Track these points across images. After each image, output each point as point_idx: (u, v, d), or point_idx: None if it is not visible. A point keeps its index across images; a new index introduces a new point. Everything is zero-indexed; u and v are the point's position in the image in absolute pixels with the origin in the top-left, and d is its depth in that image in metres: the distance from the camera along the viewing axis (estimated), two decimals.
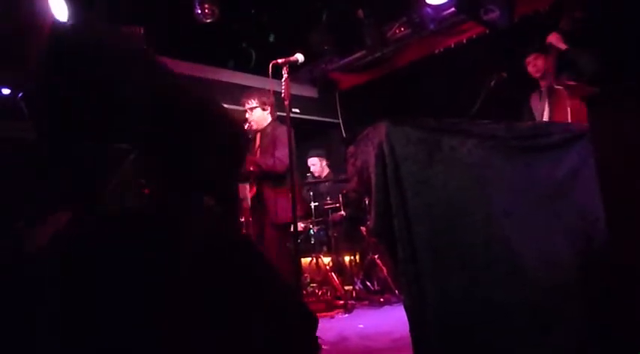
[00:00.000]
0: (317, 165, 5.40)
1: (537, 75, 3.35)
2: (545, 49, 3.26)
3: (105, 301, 1.08)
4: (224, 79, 5.49)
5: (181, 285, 1.06)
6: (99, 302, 1.09)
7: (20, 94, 1.47)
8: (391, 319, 3.46)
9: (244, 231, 4.05)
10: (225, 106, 5.22)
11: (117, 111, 1.32)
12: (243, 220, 4.36)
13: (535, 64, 3.33)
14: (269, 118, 3.72)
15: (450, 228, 1.58)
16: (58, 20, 1.54)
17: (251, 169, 3.63)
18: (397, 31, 5.41)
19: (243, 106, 3.70)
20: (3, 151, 1.40)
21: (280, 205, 3.44)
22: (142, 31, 5.02)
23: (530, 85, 3.49)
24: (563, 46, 3.10)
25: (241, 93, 3.89)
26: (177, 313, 1.04)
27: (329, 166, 5.47)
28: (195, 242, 1.13)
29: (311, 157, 5.42)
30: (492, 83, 3.26)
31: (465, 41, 5.11)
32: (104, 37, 1.52)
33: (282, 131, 3.49)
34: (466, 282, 1.55)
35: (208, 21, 4.90)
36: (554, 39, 3.12)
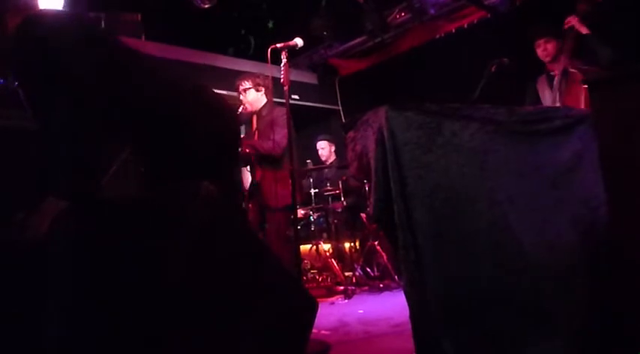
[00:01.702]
0: (326, 149, 5.39)
1: (547, 59, 3.30)
2: (556, 33, 3.21)
3: (106, 286, 1.08)
4: (223, 66, 5.45)
5: (180, 270, 1.05)
6: (101, 286, 1.09)
7: (16, 83, 1.46)
8: (391, 305, 3.47)
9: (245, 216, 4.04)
10: (225, 93, 5.22)
11: (107, 104, 1.31)
12: (244, 205, 4.36)
13: (545, 48, 3.27)
14: (264, 100, 3.68)
15: (451, 213, 1.58)
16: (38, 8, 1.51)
17: (247, 151, 3.60)
18: (397, 17, 5.36)
19: (237, 88, 3.67)
20: (7, 140, 1.39)
21: (280, 188, 3.43)
22: (139, 18, 4.98)
23: (532, 70, 3.45)
24: (585, 31, 3.04)
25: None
26: (177, 298, 1.04)
27: (336, 152, 5.46)
28: (194, 227, 1.12)
29: (320, 140, 5.40)
30: (494, 68, 3.23)
31: (466, 26, 5.07)
32: (88, 27, 1.50)
33: (280, 113, 3.46)
34: (467, 268, 1.55)
35: (206, 6, 4.84)
36: (575, 22, 3.06)
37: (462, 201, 1.60)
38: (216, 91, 5.53)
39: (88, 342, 1.06)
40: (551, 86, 3.24)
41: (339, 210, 4.87)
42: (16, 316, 1.11)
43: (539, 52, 3.31)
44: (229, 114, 1.69)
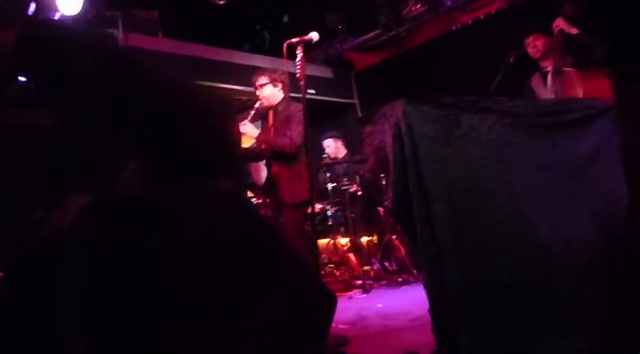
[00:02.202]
0: (332, 146, 5.38)
1: (537, 55, 3.28)
2: (545, 30, 3.20)
3: (124, 283, 1.10)
4: (239, 62, 5.46)
5: (198, 266, 1.06)
6: (121, 282, 1.10)
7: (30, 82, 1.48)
8: (410, 299, 3.47)
9: (262, 212, 4.06)
10: (240, 88, 5.23)
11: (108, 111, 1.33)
12: (260, 201, 4.38)
13: (535, 45, 3.26)
14: (280, 95, 3.67)
15: (469, 207, 1.57)
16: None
17: (263, 147, 3.61)
18: (413, 9, 5.30)
19: (254, 83, 3.68)
20: (23, 140, 1.42)
21: (295, 184, 3.43)
22: (156, 16, 5.01)
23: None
24: (574, 31, 3.04)
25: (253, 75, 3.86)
26: (196, 294, 1.05)
27: (346, 146, 5.45)
28: (215, 223, 1.13)
29: (325, 138, 5.41)
30: (511, 60, 3.19)
31: (482, 17, 4.99)
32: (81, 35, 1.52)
33: (296, 109, 3.46)
34: (486, 261, 1.54)
35: (221, 3, 4.86)
36: (563, 24, 3.06)
37: (480, 194, 1.59)
38: (232, 86, 5.54)
39: (100, 339, 1.08)
40: (545, 83, 3.21)
41: (355, 199, 4.85)
42: (31, 314, 1.13)
43: (529, 49, 3.28)
44: (223, 111, 1.70)
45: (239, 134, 3.19)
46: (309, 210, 3.22)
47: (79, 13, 3.73)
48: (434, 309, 1.60)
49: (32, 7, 3.23)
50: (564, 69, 3.11)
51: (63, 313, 1.08)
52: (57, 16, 3.49)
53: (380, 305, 3.44)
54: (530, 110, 1.73)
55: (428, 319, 1.64)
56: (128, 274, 1.08)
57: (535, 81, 3.33)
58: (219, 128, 1.55)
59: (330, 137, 5.40)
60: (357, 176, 4.73)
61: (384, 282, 4.30)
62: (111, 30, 4.05)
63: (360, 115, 6.41)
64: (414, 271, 4.12)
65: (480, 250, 1.55)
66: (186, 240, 1.07)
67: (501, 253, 1.54)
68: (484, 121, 1.65)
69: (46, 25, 1.40)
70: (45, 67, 1.31)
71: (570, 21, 3.05)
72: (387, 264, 4.55)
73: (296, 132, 3.41)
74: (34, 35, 1.35)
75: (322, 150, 5.38)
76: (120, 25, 4.17)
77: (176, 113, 1.41)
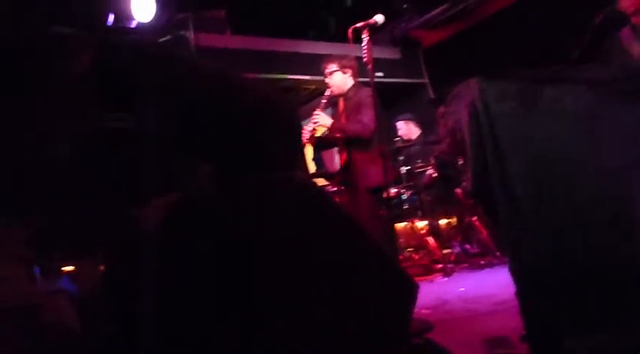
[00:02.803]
0: (404, 129, 5.30)
1: (631, 9, 2.96)
2: None
3: (215, 277, 1.15)
4: (305, 51, 5.49)
5: (280, 258, 1.09)
6: (209, 277, 1.16)
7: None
8: (493, 282, 3.36)
9: (336, 199, 4.09)
10: (308, 78, 5.27)
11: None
12: (334, 188, 4.41)
13: None
14: (350, 82, 3.66)
15: (556, 185, 1.48)
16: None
17: (337, 135, 3.62)
18: None
19: (324, 71, 3.68)
20: (117, 143, 1.50)
21: (370, 169, 3.42)
22: (224, 14, 5.16)
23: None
24: None
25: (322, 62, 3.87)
26: (277, 284, 1.08)
27: (419, 126, 5.34)
28: (292, 215, 1.15)
29: (397, 121, 5.33)
30: (599, 20, 2.93)
31: None
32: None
33: (366, 94, 3.43)
34: (578, 243, 1.44)
35: None
36: None
37: (567, 171, 1.49)
38: (300, 77, 5.61)
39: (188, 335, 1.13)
40: (639, 39, 2.88)
41: (430, 182, 4.75)
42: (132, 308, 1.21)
43: (623, 3, 2.96)
44: (286, 107, 1.71)
45: (301, 127, 3.22)
46: (384, 194, 3.20)
47: (153, 20, 3.93)
48: (521, 292, 1.53)
49: (111, 17, 3.44)
50: None
51: (160, 308, 1.15)
52: (133, 24, 3.70)
53: (462, 289, 3.36)
54: (621, 74, 1.59)
55: (514, 302, 1.58)
56: (216, 270, 1.12)
57: (626, 36, 3.03)
58: (284, 122, 1.57)
59: (402, 120, 5.32)
60: (431, 158, 4.62)
61: (466, 265, 4.19)
62: (182, 32, 4.22)
63: (431, 94, 6.24)
64: (497, 253, 3.97)
65: (571, 230, 1.46)
66: (267, 233, 1.10)
67: (595, 234, 1.44)
68: (569, 92, 1.54)
69: (124, 45, 1.49)
70: (123, 81, 1.39)
71: None
72: (468, 246, 4.43)
73: (368, 117, 3.39)
74: (114, 60, 1.44)
75: (395, 133, 5.31)
76: (191, 27, 4.34)
77: (241, 111, 1.45)
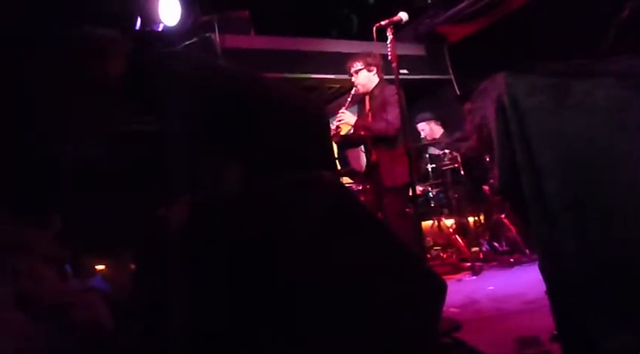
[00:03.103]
0: (426, 129, 5.28)
1: None
2: None
3: (240, 275, 1.16)
4: (329, 50, 5.49)
5: (308, 256, 1.09)
6: (235, 275, 1.17)
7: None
8: (523, 281, 3.29)
9: (362, 198, 4.08)
10: (332, 76, 5.26)
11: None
12: (360, 187, 4.40)
13: None
14: (375, 80, 3.64)
15: (588, 181, 1.44)
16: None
17: (362, 133, 3.61)
18: None
19: (349, 70, 3.67)
20: (146, 144, 1.53)
21: (396, 168, 3.40)
22: (248, 14, 5.19)
23: None
24: None
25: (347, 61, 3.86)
26: (306, 282, 1.08)
27: (442, 125, 5.29)
28: (319, 213, 1.15)
29: (418, 122, 5.30)
30: (628, 12, 2.85)
31: None
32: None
33: (391, 92, 3.41)
34: (611, 240, 1.40)
35: None
36: None
37: (601, 167, 1.45)
38: (323, 76, 5.61)
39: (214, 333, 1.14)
40: None
41: (459, 184, 4.70)
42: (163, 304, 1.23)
43: None
44: (314, 107, 1.72)
45: (329, 125, 3.22)
46: (410, 192, 3.18)
47: (178, 23, 3.98)
48: (552, 291, 1.50)
49: (138, 21, 3.50)
50: None
51: (188, 306, 1.17)
52: (160, 28, 3.76)
53: (491, 287, 3.31)
54: None
55: (545, 301, 1.54)
56: (243, 269, 1.13)
57: None
58: (312, 122, 1.58)
59: (422, 120, 5.28)
60: (458, 155, 4.56)
61: (495, 263, 4.12)
62: (208, 34, 4.27)
63: (457, 90, 6.16)
64: (527, 251, 3.90)
65: (604, 229, 1.42)
66: (293, 232, 1.10)
67: (631, 231, 1.39)
68: (599, 85, 1.49)
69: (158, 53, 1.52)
70: (154, 83, 1.42)
71: None
72: (496, 244, 4.36)
73: (393, 115, 3.37)
74: (147, 63, 1.47)
75: (419, 132, 5.29)
76: (216, 29, 4.38)
77: (268, 111, 1.46)
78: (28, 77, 1.33)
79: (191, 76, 1.39)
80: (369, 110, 3.67)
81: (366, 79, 3.62)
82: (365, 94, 3.68)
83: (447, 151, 4.68)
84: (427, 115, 5.33)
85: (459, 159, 4.50)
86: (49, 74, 1.38)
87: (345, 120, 3.58)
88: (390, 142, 3.48)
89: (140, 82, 1.46)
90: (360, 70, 3.61)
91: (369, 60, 3.60)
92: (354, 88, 3.66)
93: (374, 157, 3.61)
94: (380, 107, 3.53)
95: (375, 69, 3.61)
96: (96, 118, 1.41)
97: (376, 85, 3.63)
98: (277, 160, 1.41)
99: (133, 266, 1.46)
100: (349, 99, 3.65)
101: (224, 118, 1.38)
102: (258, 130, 1.41)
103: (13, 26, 1.35)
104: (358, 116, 3.72)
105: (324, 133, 1.94)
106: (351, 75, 3.66)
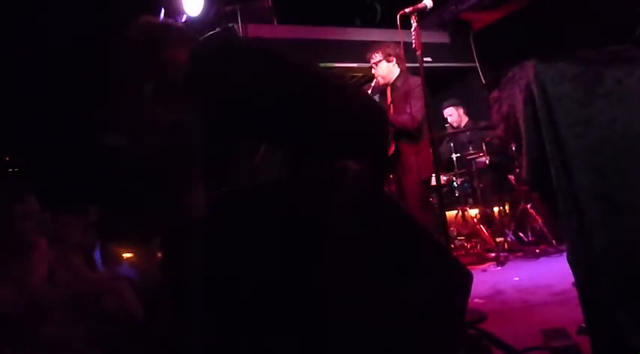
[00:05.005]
0: (454, 115, 5.18)
1: None
2: None
3: (262, 265, 1.16)
4: (352, 38, 5.44)
5: (333, 248, 1.09)
6: (257, 266, 1.18)
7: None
8: (549, 272, 3.24)
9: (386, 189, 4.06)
10: (355, 65, 5.22)
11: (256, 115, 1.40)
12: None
13: None
14: (396, 71, 3.58)
15: (620, 171, 1.40)
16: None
17: None
18: None
19: (369, 62, 3.63)
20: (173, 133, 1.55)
21: (419, 162, 3.37)
22: (270, 3, 5.18)
23: None
24: None
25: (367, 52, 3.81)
26: (335, 275, 1.09)
27: (467, 113, 5.21)
28: (342, 205, 1.15)
29: (446, 107, 5.21)
30: None
31: None
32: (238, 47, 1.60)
33: (415, 84, 3.36)
34: None
35: None
36: None
37: (632, 156, 1.41)
38: (347, 65, 5.56)
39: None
40: None
41: (483, 167, 4.62)
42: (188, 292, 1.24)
43: None
44: (377, 107, 1.72)
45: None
46: (434, 182, 3.15)
47: (201, 13, 4.00)
48: (581, 284, 1.47)
49: (162, 12, 3.53)
50: None
51: (215, 295, 1.19)
52: (183, 19, 3.78)
53: (517, 278, 3.27)
54: None
55: (572, 293, 1.52)
56: (262, 258, 1.14)
57: None
58: (364, 110, 1.57)
59: (451, 105, 5.20)
60: (483, 144, 4.49)
61: (520, 253, 4.07)
62: (231, 24, 4.28)
63: (482, 78, 6.05)
64: (554, 242, 3.83)
65: (635, 219, 1.38)
66: (319, 222, 1.11)
67: None
68: (633, 73, 1.45)
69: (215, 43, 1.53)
70: (211, 73, 1.42)
71: None
72: (522, 235, 4.29)
73: (415, 108, 3.33)
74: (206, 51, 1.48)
75: (444, 119, 5.20)
76: (239, 18, 4.39)
77: (322, 100, 1.46)
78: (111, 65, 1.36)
79: (249, 65, 1.39)
80: (391, 102, 3.62)
81: (386, 70, 3.57)
82: (386, 85, 3.64)
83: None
84: (453, 100, 5.26)
85: (485, 148, 4.43)
86: (129, 63, 1.40)
87: None
88: (412, 135, 3.44)
89: (200, 72, 1.47)
90: (379, 61, 3.56)
91: (388, 50, 3.54)
92: (374, 81, 3.61)
93: (397, 150, 3.57)
94: (402, 99, 3.48)
95: (394, 59, 3.55)
96: (161, 107, 1.43)
97: (398, 76, 3.58)
98: (331, 149, 1.42)
99: (159, 254, 1.49)
100: (369, 91, 3.61)
101: (270, 103, 1.37)
102: (304, 116, 1.41)
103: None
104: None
105: (383, 133, 1.95)
106: (372, 67, 3.62)
